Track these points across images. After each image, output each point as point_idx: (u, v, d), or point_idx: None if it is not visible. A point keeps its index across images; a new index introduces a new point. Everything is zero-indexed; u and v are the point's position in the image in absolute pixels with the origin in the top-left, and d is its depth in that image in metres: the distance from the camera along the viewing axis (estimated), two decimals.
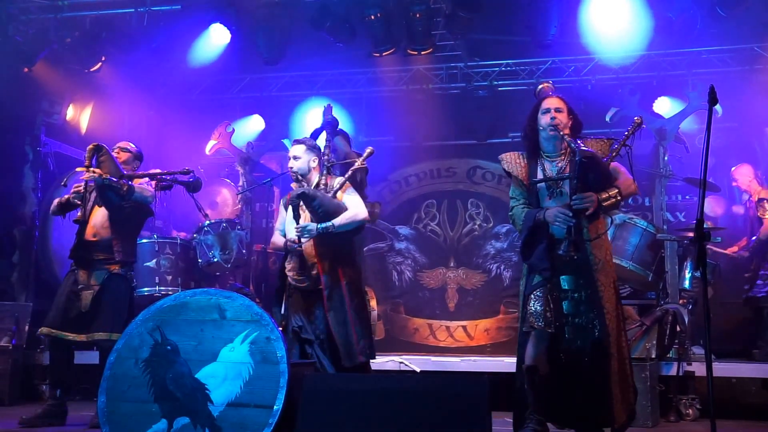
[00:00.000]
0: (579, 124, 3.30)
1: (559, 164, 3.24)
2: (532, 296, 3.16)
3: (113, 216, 4.00)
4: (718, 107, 4.36)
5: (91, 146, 3.99)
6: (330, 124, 4.07)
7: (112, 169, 3.96)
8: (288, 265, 3.65)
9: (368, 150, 3.80)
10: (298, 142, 3.81)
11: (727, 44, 5.89)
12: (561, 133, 3.17)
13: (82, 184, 3.97)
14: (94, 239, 4.00)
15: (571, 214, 3.07)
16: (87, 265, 3.99)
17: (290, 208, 3.69)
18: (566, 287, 3.16)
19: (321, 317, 3.57)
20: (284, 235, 3.73)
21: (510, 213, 3.33)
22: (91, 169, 3.89)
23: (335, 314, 3.55)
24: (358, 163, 3.77)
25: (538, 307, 3.13)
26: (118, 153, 4.16)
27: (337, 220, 3.57)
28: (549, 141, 3.26)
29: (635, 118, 3.33)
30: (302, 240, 3.54)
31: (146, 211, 4.16)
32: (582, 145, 3.14)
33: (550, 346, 3.15)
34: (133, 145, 4.29)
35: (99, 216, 4.02)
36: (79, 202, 4.00)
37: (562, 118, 3.23)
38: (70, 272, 4.05)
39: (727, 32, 5.58)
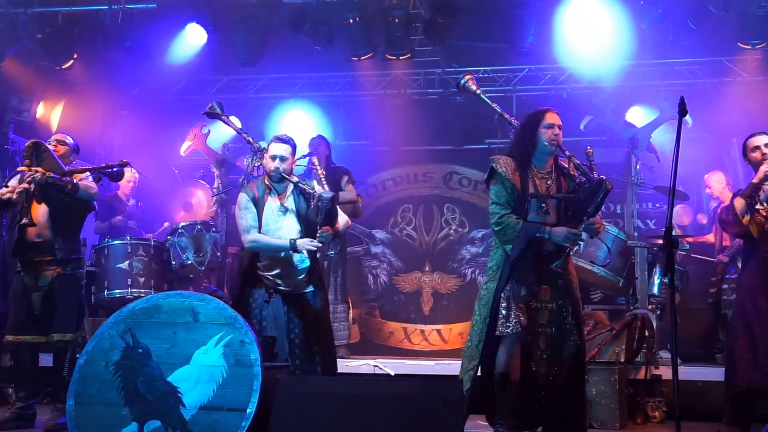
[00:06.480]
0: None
1: (548, 182, 3.28)
2: (512, 304, 3.16)
3: (55, 213, 3.88)
4: (688, 118, 4.47)
5: (29, 143, 3.87)
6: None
7: (54, 166, 3.83)
8: (272, 269, 3.52)
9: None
10: (282, 140, 3.52)
11: (698, 56, 6.04)
12: (568, 153, 3.26)
13: (28, 183, 3.74)
14: (39, 240, 3.88)
15: (581, 236, 3.16)
16: (32, 267, 3.90)
17: (268, 206, 3.52)
18: (543, 297, 3.22)
19: (302, 321, 3.51)
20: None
21: (498, 219, 3.18)
22: (33, 168, 3.76)
23: (319, 317, 3.54)
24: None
25: (512, 313, 3.15)
26: (55, 146, 4.02)
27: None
28: (543, 155, 3.28)
29: (587, 148, 3.33)
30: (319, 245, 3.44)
31: (88, 207, 4.06)
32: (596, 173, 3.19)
33: (522, 354, 3.19)
34: (71, 139, 4.16)
35: (41, 215, 3.88)
36: (20, 200, 3.75)
37: (560, 136, 3.28)
38: (17, 276, 3.95)
39: (698, 45, 5.72)
